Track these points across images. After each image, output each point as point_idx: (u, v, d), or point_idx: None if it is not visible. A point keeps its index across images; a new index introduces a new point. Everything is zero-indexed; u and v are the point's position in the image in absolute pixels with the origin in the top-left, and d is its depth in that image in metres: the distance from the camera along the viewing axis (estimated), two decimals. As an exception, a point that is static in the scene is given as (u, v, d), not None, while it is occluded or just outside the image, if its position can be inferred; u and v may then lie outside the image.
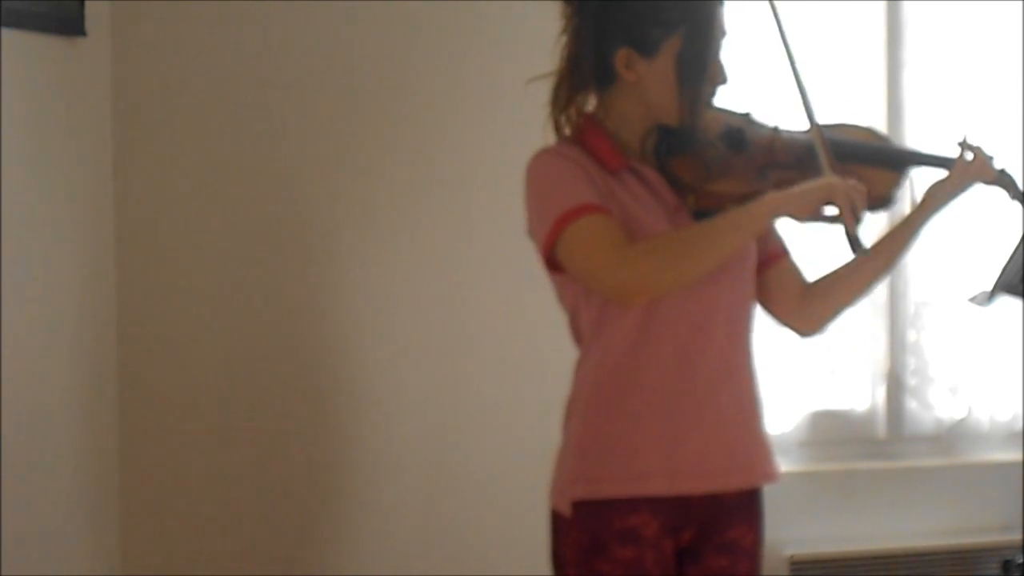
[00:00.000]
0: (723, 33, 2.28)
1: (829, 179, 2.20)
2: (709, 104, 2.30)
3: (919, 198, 2.46)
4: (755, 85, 3.19)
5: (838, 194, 2.17)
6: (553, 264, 2.26)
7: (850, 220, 2.16)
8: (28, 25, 2.70)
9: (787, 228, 2.46)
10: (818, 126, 2.28)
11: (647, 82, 2.26)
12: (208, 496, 3.22)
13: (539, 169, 2.28)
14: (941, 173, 2.44)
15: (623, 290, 2.21)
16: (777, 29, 2.30)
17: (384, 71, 3.25)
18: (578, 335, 2.35)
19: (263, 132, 3.22)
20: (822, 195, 2.18)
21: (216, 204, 3.21)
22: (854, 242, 2.18)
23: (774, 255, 2.41)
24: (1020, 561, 3.51)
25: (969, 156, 2.42)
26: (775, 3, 2.30)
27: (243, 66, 3.20)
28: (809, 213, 2.21)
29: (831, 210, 2.18)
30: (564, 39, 2.30)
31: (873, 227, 3.06)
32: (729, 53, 2.30)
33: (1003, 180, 2.44)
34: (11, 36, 2.61)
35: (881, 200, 2.39)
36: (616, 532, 2.24)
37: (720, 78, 2.29)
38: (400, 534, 3.30)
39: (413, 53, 3.26)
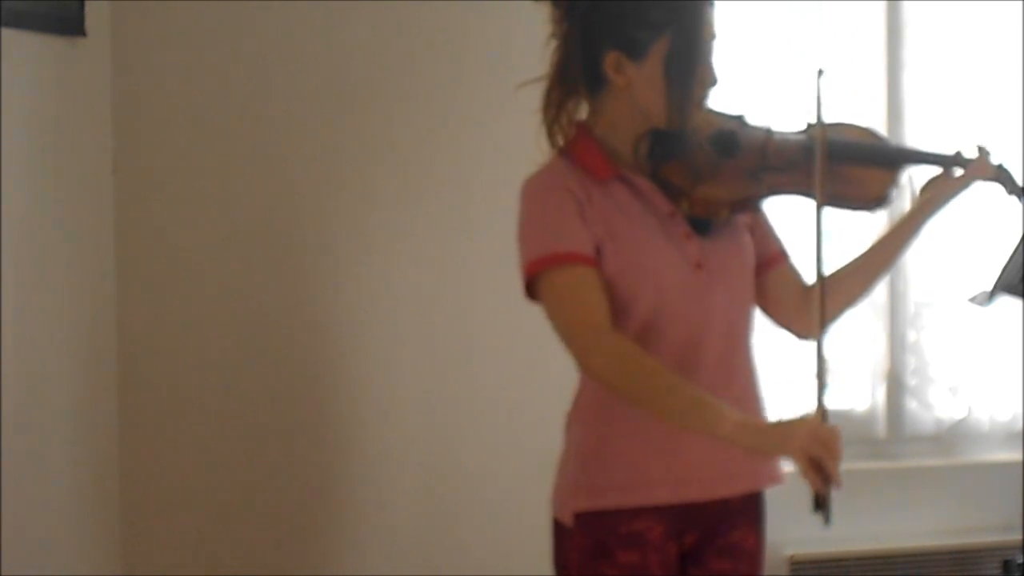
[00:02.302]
0: (712, 35, 2.27)
1: (796, 435, 2.13)
2: (699, 106, 2.29)
3: (917, 198, 2.46)
4: (749, 87, 3.19)
5: (798, 458, 2.12)
6: (532, 295, 2.27)
7: (816, 483, 2.10)
8: (28, 25, 2.70)
9: (785, 231, 2.47)
10: (815, 127, 2.27)
11: (637, 85, 2.25)
12: (208, 496, 3.22)
13: (531, 197, 2.27)
14: (939, 171, 2.44)
15: (583, 367, 2.25)
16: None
17: (384, 72, 3.25)
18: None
19: (263, 132, 3.22)
20: (788, 451, 2.14)
21: (216, 204, 3.21)
22: (817, 503, 2.09)
23: (773, 258, 2.41)
24: (1020, 561, 3.51)
25: (967, 154, 2.42)
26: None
27: (243, 66, 3.20)
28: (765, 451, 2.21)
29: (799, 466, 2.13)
30: (554, 43, 2.30)
31: (873, 226, 3.08)
32: (720, 55, 2.29)
33: (1001, 176, 2.43)
34: (11, 36, 2.61)
35: (877, 200, 2.39)
36: (620, 537, 2.24)
37: (710, 80, 2.28)
38: (401, 535, 3.30)
39: (412, 54, 3.26)
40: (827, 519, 2.09)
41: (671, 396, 2.19)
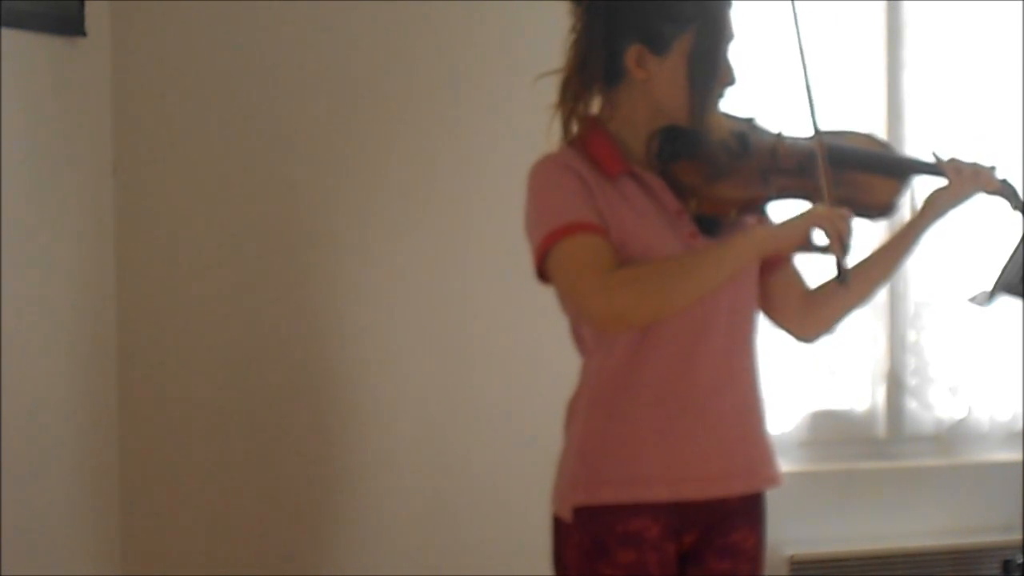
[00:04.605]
0: (732, 35, 2.28)
1: (815, 208, 2.21)
2: (717, 104, 2.30)
3: (920, 205, 2.46)
4: (759, 91, 3.18)
5: (824, 222, 2.17)
6: (545, 277, 2.27)
7: (837, 248, 2.17)
8: (28, 25, 2.70)
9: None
10: (820, 134, 2.27)
11: (657, 80, 2.26)
12: (208, 496, 3.22)
13: (539, 179, 2.28)
14: (942, 181, 2.45)
15: (603, 318, 2.21)
16: (795, 31, 2.28)
17: (385, 71, 3.25)
18: (580, 341, 2.34)
19: (263, 132, 3.22)
20: (808, 224, 2.18)
21: (216, 204, 3.21)
22: (841, 271, 2.19)
23: (776, 261, 2.41)
24: (1020, 561, 3.51)
25: (960, 165, 2.42)
26: (795, 5, 2.29)
27: (243, 66, 3.20)
28: (797, 244, 2.23)
29: (819, 239, 2.19)
30: (573, 36, 2.30)
31: (873, 235, 3.08)
32: (738, 56, 2.30)
33: (1005, 190, 2.44)
34: (11, 36, 2.61)
35: (883, 208, 2.40)
36: (618, 536, 2.24)
37: (729, 79, 2.29)
38: (401, 535, 3.30)
39: (414, 53, 3.26)
40: (847, 281, 2.20)
41: (698, 265, 2.19)
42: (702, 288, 2.20)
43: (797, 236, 2.21)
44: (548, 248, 2.22)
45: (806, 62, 2.28)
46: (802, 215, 2.21)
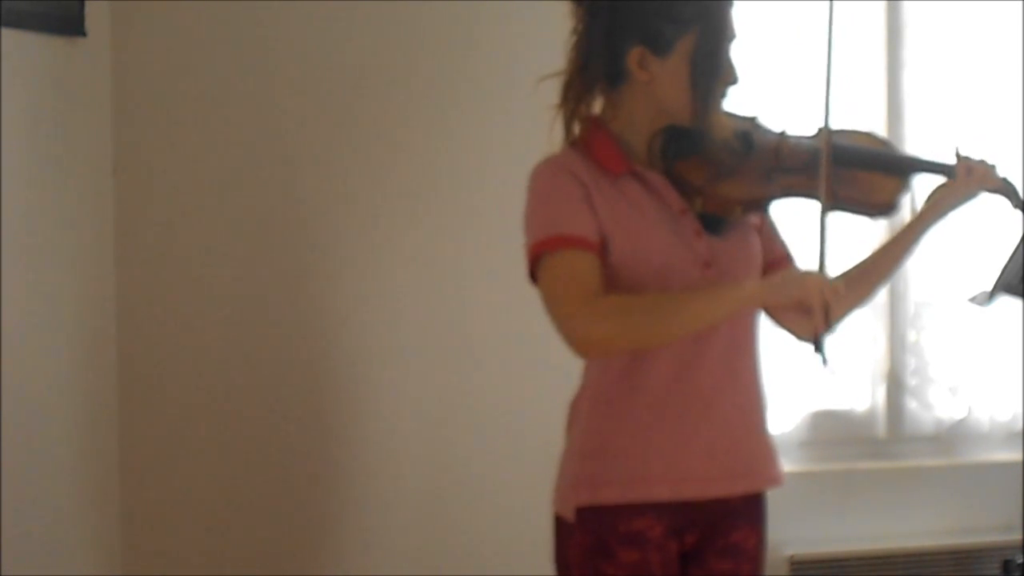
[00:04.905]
0: (733, 35, 2.28)
1: (811, 277, 2.20)
2: (720, 104, 2.30)
3: (922, 205, 2.46)
4: (761, 90, 3.19)
5: (813, 296, 2.17)
6: (536, 279, 2.27)
7: (821, 321, 2.18)
8: (28, 25, 2.70)
9: (790, 233, 2.47)
10: (829, 132, 2.27)
11: (659, 81, 2.26)
12: (208, 497, 3.21)
13: (539, 182, 2.28)
14: (942, 179, 2.45)
15: (580, 341, 2.21)
16: (827, 29, 2.28)
17: (386, 71, 3.25)
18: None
19: (264, 132, 3.22)
20: (801, 293, 2.19)
21: (216, 204, 3.21)
22: (818, 345, 2.20)
23: (778, 260, 2.41)
24: (1020, 561, 3.51)
25: (973, 164, 2.42)
26: (832, 5, 2.29)
27: (243, 66, 3.20)
28: (784, 306, 2.24)
29: (807, 304, 2.19)
30: (575, 37, 2.30)
31: (875, 234, 3.08)
32: (740, 55, 2.30)
33: (1006, 189, 2.44)
34: (11, 36, 2.62)
35: (885, 206, 2.40)
36: (620, 535, 2.24)
37: (731, 78, 2.29)
38: (402, 536, 3.30)
39: (414, 53, 3.26)
40: (825, 360, 2.21)
41: (685, 307, 2.20)
42: (683, 331, 2.21)
43: (787, 300, 2.22)
44: (539, 255, 2.23)
45: (831, 60, 2.27)
46: (797, 280, 2.21)
